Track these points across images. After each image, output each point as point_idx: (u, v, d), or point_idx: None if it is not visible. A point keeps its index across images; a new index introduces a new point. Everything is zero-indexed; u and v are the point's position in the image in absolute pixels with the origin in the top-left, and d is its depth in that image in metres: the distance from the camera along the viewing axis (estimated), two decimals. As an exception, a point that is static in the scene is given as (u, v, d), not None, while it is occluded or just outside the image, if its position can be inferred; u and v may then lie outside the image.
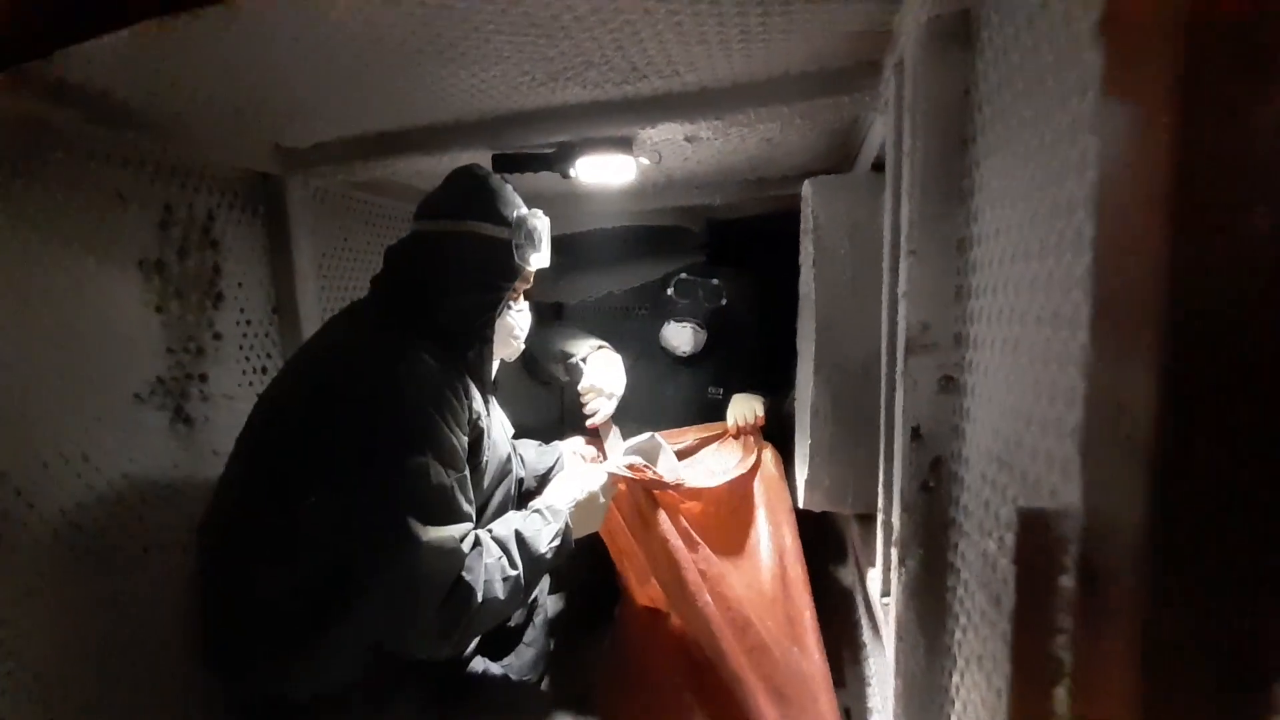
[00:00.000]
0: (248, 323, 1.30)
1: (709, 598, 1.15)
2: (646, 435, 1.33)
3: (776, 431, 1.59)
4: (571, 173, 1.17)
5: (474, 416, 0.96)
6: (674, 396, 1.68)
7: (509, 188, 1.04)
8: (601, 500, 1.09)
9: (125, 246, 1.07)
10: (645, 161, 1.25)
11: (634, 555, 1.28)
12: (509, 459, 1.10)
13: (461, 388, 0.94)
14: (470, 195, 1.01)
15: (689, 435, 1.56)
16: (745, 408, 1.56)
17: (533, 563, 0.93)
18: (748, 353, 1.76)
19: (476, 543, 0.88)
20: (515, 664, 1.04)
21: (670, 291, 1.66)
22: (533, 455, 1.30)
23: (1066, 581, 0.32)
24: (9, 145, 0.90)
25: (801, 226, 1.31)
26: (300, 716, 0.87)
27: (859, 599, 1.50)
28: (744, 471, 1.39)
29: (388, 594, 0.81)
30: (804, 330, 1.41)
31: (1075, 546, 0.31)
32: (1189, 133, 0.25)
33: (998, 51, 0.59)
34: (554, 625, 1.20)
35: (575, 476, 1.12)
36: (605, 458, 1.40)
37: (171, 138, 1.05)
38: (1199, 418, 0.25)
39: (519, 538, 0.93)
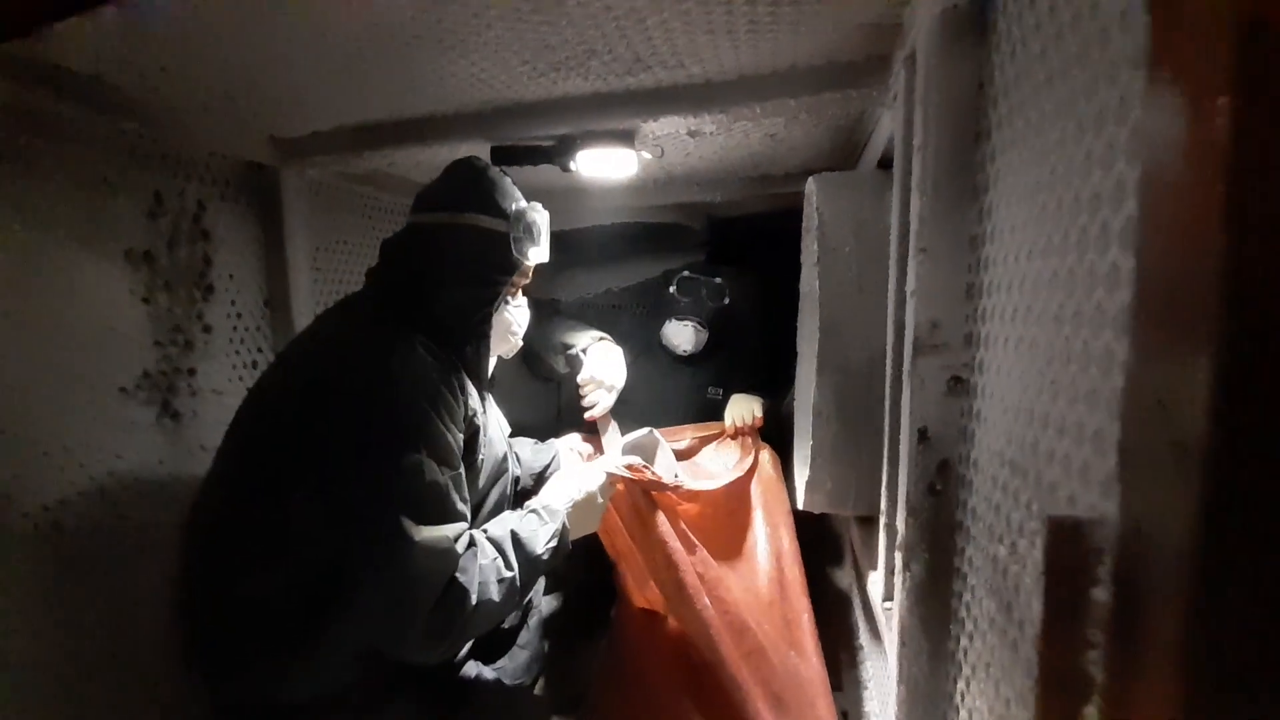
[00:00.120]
0: (239, 316, 1.28)
1: (708, 601, 1.14)
2: (645, 430, 1.31)
3: (775, 433, 1.58)
4: (572, 166, 1.15)
5: (470, 413, 0.94)
6: (673, 396, 1.66)
7: (508, 180, 1.02)
8: (599, 500, 1.07)
9: (113, 236, 1.04)
10: (647, 156, 1.24)
11: (632, 556, 1.26)
12: (505, 458, 1.08)
13: (457, 384, 0.92)
14: (468, 187, 0.98)
15: (686, 434, 1.54)
16: (743, 408, 1.54)
17: (529, 564, 0.91)
18: (749, 353, 1.74)
19: (471, 543, 0.86)
20: (508, 667, 1.02)
21: (673, 289, 1.64)
22: (528, 453, 1.28)
23: (1100, 594, 0.30)
24: (-7, 130, 0.87)
25: (803, 224, 1.30)
26: (289, 720, 0.85)
27: (856, 601, 1.48)
28: (741, 473, 1.38)
29: (378, 595, 0.79)
30: (805, 330, 1.40)
31: (1110, 557, 0.29)
32: (1249, 114, 0.23)
33: (1016, 42, 0.58)
34: (549, 627, 1.18)
35: (573, 476, 1.10)
36: (603, 453, 1.38)
37: (161, 124, 1.02)
38: (1254, 420, 0.23)
39: (515, 538, 0.91)
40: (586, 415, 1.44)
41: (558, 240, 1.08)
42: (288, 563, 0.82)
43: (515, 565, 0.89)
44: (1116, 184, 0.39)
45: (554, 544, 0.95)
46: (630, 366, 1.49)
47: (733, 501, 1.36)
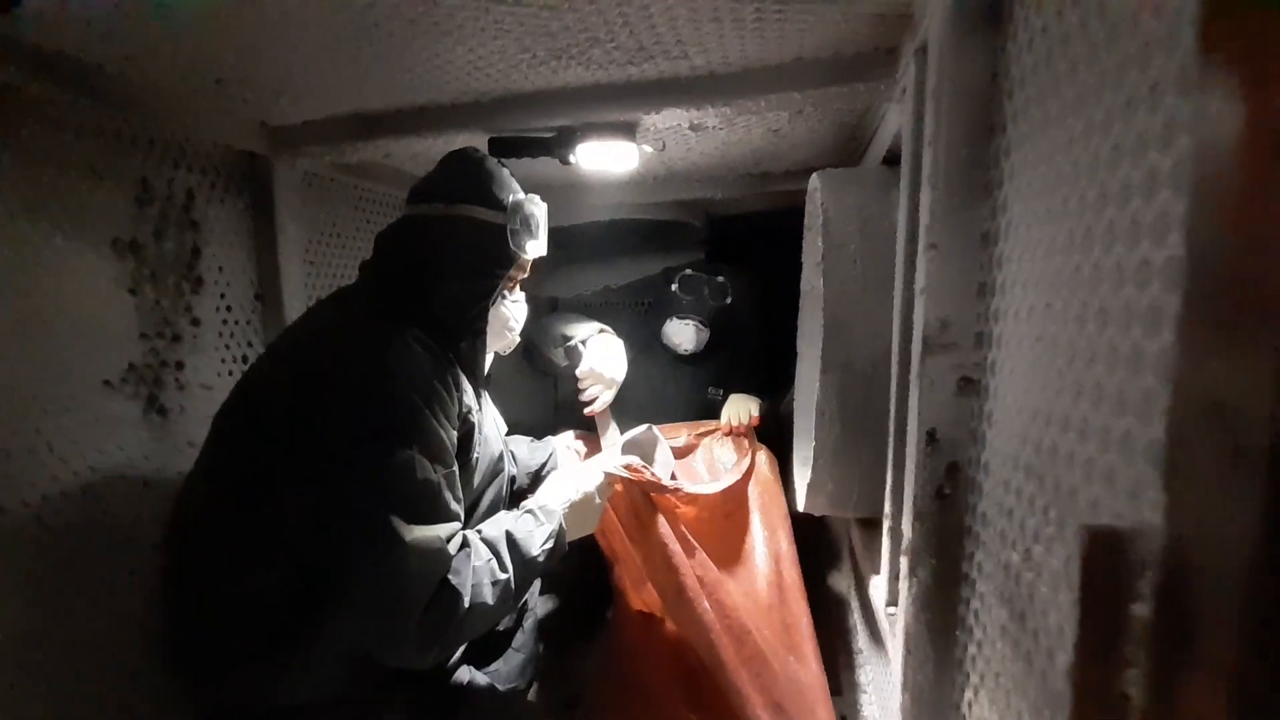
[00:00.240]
0: (228, 309, 1.25)
1: (709, 605, 1.12)
2: (644, 427, 1.29)
3: (775, 433, 1.56)
4: (572, 159, 1.13)
5: (465, 410, 0.91)
6: (673, 396, 1.64)
7: (506, 171, 0.99)
8: (597, 501, 1.05)
9: (98, 224, 1.01)
10: (648, 149, 1.21)
11: (629, 558, 1.24)
12: (501, 457, 1.06)
13: (452, 380, 0.90)
14: (465, 178, 0.96)
15: (683, 432, 1.52)
16: (740, 408, 1.52)
17: (524, 566, 0.88)
18: (750, 352, 1.72)
19: (464, 544, 0.84)
20: (502, 670, 1.00)
21: (675, 287, 1.61)
22: (524, 451, 1.25)
23: (1140, 609, 0.28)
24: (-27, 113, 0.84)
25: (806, 222, 1.28)
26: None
27: (854, 604, 1.47)
28: (739, 475, 1.36)
29: (368, 596, 0.76)
30: (806, 329, 1.38)
31: (1152, 570, 0.27)
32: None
33: (1034, 32, 0.56)
34: (544, 628, 1.15)
35: (570, 476, 1.08)
36: (600, 450, 1.35)
37: (149, 110, 0.99)
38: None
39: (510, 539, 0.89)
40: (586, 411, 1.41)
41: (553, 236, 1.05)
42: (276, 560, 0.80)
43: (510, 567, 0.86)
44: (1149, 175, 0.37)
45: (550, 545, 0.92)
46: (629, 365, 1.47)
47: (730, 504, 1.34)
